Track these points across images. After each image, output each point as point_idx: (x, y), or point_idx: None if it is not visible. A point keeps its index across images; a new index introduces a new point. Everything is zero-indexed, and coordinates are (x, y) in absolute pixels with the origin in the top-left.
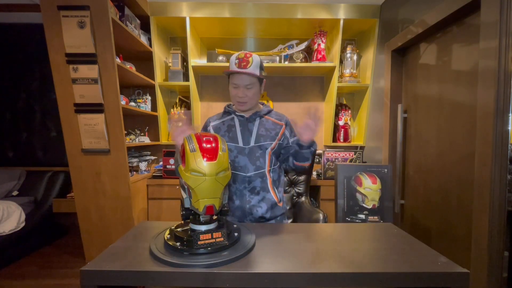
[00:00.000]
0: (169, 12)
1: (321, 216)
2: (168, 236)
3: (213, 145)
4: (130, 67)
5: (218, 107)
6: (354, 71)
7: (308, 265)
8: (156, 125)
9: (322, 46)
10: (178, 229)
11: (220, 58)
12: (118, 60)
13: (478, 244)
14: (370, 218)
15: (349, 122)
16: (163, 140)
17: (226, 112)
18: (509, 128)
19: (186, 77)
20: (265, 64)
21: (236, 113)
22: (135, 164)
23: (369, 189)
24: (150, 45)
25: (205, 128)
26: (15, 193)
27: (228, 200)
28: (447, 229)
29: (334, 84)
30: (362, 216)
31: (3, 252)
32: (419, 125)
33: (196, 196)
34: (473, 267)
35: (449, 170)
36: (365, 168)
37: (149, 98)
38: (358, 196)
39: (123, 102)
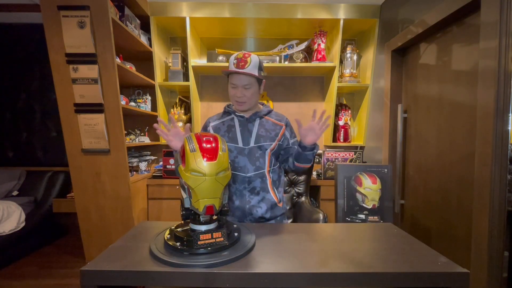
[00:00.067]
0: (169, 12)
1: (321, 216)
2: (168, 236)
3: (213, 145)
4: (130, 67)
5: (218, 107)
6: (354, 71)
7: (308, 265)
8: None
9: (322, 46)
10: (178, 229)
11: (220, 58)
12: (118, 60)
13: (478, 244)
14: (370, 218)
15: (349, 122)
16: (163, 140)
17: (226, 112)
18: (509, 128)
19: (186, 77)
20: (265, 64)
21: (236, 113)
22: (135, 164)
23: (369, 189)
24: (150, 45)
25: (205, 128)
26: (15, 193)
27: (228, 200)
28: (447, 229)
29: (334, 84)
30: (362, 216)
31: (3, 252)
32: (419, 125)
33: (196, 196)
34: (473, 267)
35: (449, 170)
36: (365, 168)
37: (149, 98)
38: (358, 196)
39: (123, 102)
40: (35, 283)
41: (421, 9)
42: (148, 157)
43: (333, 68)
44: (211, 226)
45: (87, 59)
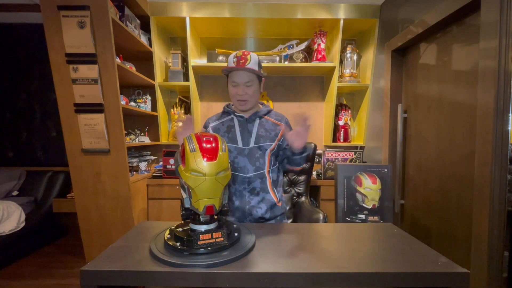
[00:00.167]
0: (169, 12)
1: (321, 216)
2: (168, 236)
3: (213, 145)
4: (130, 67)
5: (218, 107)
6: (354, 71)
7: (308, 265)
8: (156, 125)
9: (322, 46)
10: (178, 229)
11: (220, 58)
12: (118, 60)
13: (478, 244)
14: (370, 218)
15: (349, 122)
16: (163, 140)
17: (225, 112)
18: (509, 128)
19: (186, 77)
20: (265, 64)
21: (236, 113)
22: (135, 164)
23: (369, 189)
24: (150, 45)
25: (204, 129)
26: (15, 193)
27: (227, 201)
28: (447, 229)
29: (334, 84)
30: (362, 216)
31: (3, 252)
32: (419, 125)
33: (196, 196)
34: (473, 267)
35: (449, 170)
36: (365, 168)
37: (149, 98)
38: (358, 196)
39: (123, 102)
40: (35, 283)
41: (421, 9)
42: (148, 157)
43: (333, 68)
44: (211, 226)
45: (87, 59)
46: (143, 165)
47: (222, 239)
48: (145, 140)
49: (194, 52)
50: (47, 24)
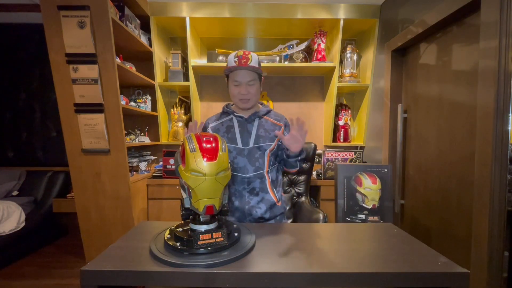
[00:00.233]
0: (169, 12)
1: (321, 216)
2: (168, 236)
3: (213, 145)
4: (130, 67)
5: (218, 107)
6: (354, 71)
7: (308, 265)
8: (156, 125)
9: (322, 46)
10: (178, 229)
11: (220, 58)
12: (118, 60)
13: (478, 244)
14: (370, 218)
15: (349, 122)
16: (163, 140)
17: (225, 112)
18: (509, 128)
19: (186, 77)
20: (265, 64)
21: (235, 113)
22: (135, 164)
23: (369, 189)
24: (150, 45)
25: (204, 129)
26: (15, 193)
27: (227, 201)
28: (447, 229)
29: (334, 84)
30: (362, 216)
31: (3, 252)
32: (419, 125)
33: (196, 196)
34: (473, 267)
35: (449, 170)
36: (365, 168)
37: (149, 98)
38: (358, 196)
39: (123, 102)
40: (35, 283)
41: (421, 9)
42: (148, 157)
43: (333, 68)
44: (211, 226)
45: (87, 59)
46: (143, 165)
47: (222, 239)
48: (145, 140)
49: (194, 52)
50: (47, 24)
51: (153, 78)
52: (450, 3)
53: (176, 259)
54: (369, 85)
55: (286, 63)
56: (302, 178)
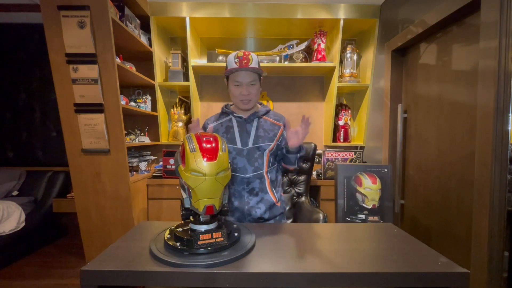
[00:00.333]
0: (169, 12)
1: (321, 216)
2: (168, 236)
3: (213, 145)
4: (130, 67)
5: (218, 107)
6: (354, 71)
7: (308, 265)
8: (156, 125)
9: (322, 46)
10: (178, 229)
11: (220, 58)
12: (118, 60)
13: (478, 244)
14: (370, 218)
15: (349, 122)
16: (163, 140)
17: (224, 113)
18: (509, 128)
19: (186, 77)
20: (265, 64)
21: (234, 113)
22: (135, 164)
23: (369, 189)
24: (150, 45)
25: (203, 130)
26: (15, 193)
27: (227, 201)
28: (447, 229)
29: (334, 84)
30: (362, 216)
31: (3, 252)
32: (419, 125)
33: (196, 196)
34: (473, 267)
35: (449, 170)
36: (365, 168)
37: (149, 98)
38: (358, 196)
39: (123, 102)
40: (35, 283)
41: (421, 9)
42: (148, 157)
43: (333, 68)
44: (211, 226)
45: (87, 59)
46: (143, 165)
47: (222, 239)
48: (145, 140)
49: (194, 52)
50: (47, 24)
51: (153, 78)
52: (450, 3)
53: (176, 259)
54: (369, 85)
55: (286, 63)
56: (302, 178)
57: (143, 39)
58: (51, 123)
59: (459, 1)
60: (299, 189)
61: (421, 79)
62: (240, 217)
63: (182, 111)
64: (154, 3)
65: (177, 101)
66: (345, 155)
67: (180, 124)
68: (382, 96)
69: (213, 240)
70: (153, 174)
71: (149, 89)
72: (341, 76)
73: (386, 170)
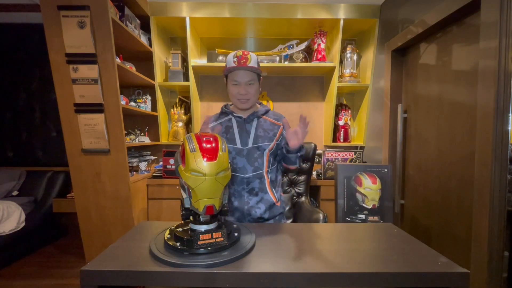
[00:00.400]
0: (169, 12)
1: (321, 216)
2: (168, 236)
3: (213, 145)
4: (130, 67)
5: (218, 107)
6: (354, 71)
7: (308, 265)
8: (156, 125)
9: (322, 46)
10: (178, 229)
11: (220, 58)
12: (118, 60)
13: (478, 244)
14: (370, 218)
15: (349, 122)
16: (163, 140)
17: (224, 113)
18: (509, 128)
19: (186, 77)
20: (265, 64)
21: (234, 113)
22: (135, 164)
23: (369, 189)
24: (150, 45)
25: (205, 124)
26: (15, 193)
27: (227, 201)
28: (447, 229)
29: (334, 84)
30: (362, 216)
31: (3, 252)
32: (419, 125)
33: (196, 196)
34: (473, 267)
35: (449, 170)
36: (365, 168)
37: (149, 98)
38: (358, 196)
39: (123, 102)
40: (35, 283)
41: (421, 9)
42: (148, 157)
43: (333, 68)
44: (211, 226)
45: (87, 59)
46: (143, 165)
47: (222, 239)
48: (145, 140)
49: (194, 52)
50: (47, 24)
51: (153, 78)
52: (450, 3)
53: (176, 259)
54: (369, 85)
55: (286, 63)
56: (302, 178)
57: (143, 39)
58: (51, 123)
59: (459, 1)
60: (299, 189)
61: (421, 79)
62: (240, 217)
63: (182, 111)
64: (154, 3)
65: (177, 101)
66: (345, 155)
67: (180, 124)
68: (382, 96)
69: (213, 240)
70: (153, 174)
71: (149, 89)
72: (341, 76)
73: (386, 170)
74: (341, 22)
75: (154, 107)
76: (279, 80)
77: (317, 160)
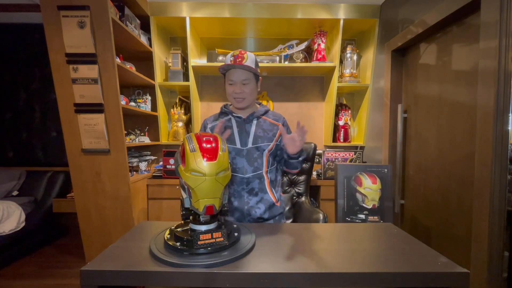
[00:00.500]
0: (169, 12)
1: (321, 216)
2: (168, 236)
3: (213, 145)
4: (130, 67)
5: (218, 107)
6: (354, 71)
7: (308, 265)
8: (156, 125)
9: (322, 46)
10: (178, 229)
11: (220, 58)
12: (118, 60)
13: (478, 244)
14: (370, 218)
15: (349, 122)
16: (163, 140)
17: (223, 112)
18: (509, 128)
19: (186, 77)
20: (265, 64)
21: (233, 113)
22: (135, 164)
23: (369, 189)
24: (150, 45)
25: (203, 130)
26: (15, 193)
27: (227, 201)
28: (447, 229)
29: (334, 84)
30: (362, 216)
31: (3, 252)
32: (419, 125)
33: (196, 196)
34: (473, 267)
35: (449, 170)
36: (365, 168)
37: (149, 98)
38: (358, 196)
39: (123, 102)
40: (35, 283)
41: (421, 9)
42: (148, 157)
43: (333, 68)
44: (211, 226)
45: (87, 59)
46: (143, 165)
47: (222, 239)
48: (145, 140)
49: (194, 52)
50: (47, 24)
51: (153, 78)
52: (450, 3)
53: (176, 259)
54: (369, 85)
55: (286, 63)
56: (302, 178)
57: (143, 39)
58: (51, 123)
59: (459, 1)
60: (299, 189)
61: (421, 79)
62: (240, 217)
63: (182, 111)
64: (154, 3)
65: (177, 101)
66: (345, 155)
67: (180, 124)
68: (382, 96)
69: (213, 240)
70: (153, 174)
71: (149, 89)
72: (341, 76)
73: (386, 170)
74: (341, 22)
75: (154, 107)
76: (279, 80)
77: (317, 160)
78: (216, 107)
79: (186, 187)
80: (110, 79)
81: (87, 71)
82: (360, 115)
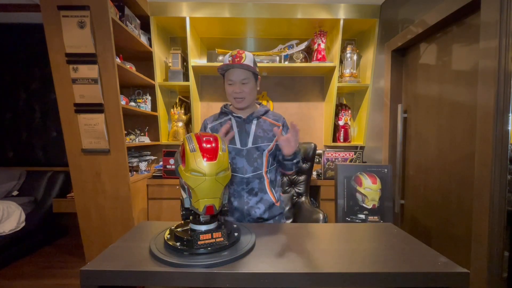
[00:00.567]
0: (169, 12)
1: (321, 216)
2: (168, 236)
3: (213, 145)
4: (130, 67)
5: (218, 107)
6: (354, 71)
7: (308, 265)
8: (156, 125)
9: (322, 46)
10: (178, 229)
11: (220, 58)
12: (118, 60)
13: (478, 244)
14: (370, 218)
15: (349, 122)
16: (163, 140)
17: (223, 112)
18: (509, 128)
19: (186, 77)
20: (265, 64)
21: (233, 113)
22: (135, 164)
23: (369, 189)
24: (150, 45)
25: (203, 130)
26: (15, 193)
27: (227, 201)
28: (447, 229)
29: (334, 84)
30: (362, 216)
31: (3, 252)
32: (419, 125)
33: (196, 196)
34: (473, 267)
35: (449, 170)
36: (365, 168)
37: (149, 98)
38: (358, 196)
39: (123, 102)
40: (35, 283)
41: (421, 9)
42: (148, 157)
43: (333, 68)
44: (211, 226)
45: (87, 59)
46: (143, 165)
47: (222, 239)
48: (145, 140)
49: (194, 52)
50: (47, 24)
51: (153, 78)
52: (450, 3)
53: (176, 259)
54: (369, 85)
55: (286, 63)
56: (302, 178)
57: (143, 39)
58: (51, 123)
59: (459, 1)
60: (299, 189)
61: (421, 79)
62: (240, 217)
63: (182, 111)
64: (154, 3)
65: (177, 101)
66: (345, 155)
67: (180, 124)
68: (382, 96)
69: (213, 240)
70: (153, 174)
71: (149, 89)
72: (341, 76)
73: (386, 170)
74: (341, 22)
75: (154, 107)
76: (279, 80)
77: (317, 160)
78: (216, 107)
79: (186, 187)
80: (110, 79)
81: (87, 71)
82: (360, 115)
